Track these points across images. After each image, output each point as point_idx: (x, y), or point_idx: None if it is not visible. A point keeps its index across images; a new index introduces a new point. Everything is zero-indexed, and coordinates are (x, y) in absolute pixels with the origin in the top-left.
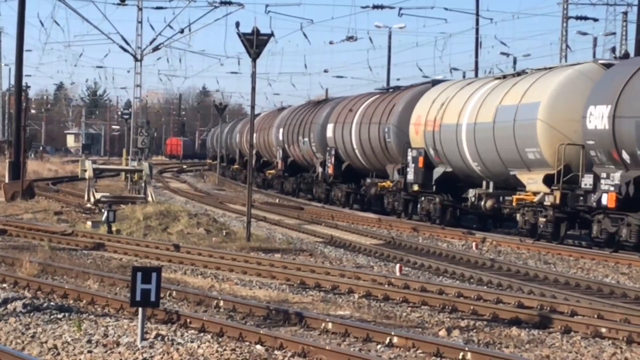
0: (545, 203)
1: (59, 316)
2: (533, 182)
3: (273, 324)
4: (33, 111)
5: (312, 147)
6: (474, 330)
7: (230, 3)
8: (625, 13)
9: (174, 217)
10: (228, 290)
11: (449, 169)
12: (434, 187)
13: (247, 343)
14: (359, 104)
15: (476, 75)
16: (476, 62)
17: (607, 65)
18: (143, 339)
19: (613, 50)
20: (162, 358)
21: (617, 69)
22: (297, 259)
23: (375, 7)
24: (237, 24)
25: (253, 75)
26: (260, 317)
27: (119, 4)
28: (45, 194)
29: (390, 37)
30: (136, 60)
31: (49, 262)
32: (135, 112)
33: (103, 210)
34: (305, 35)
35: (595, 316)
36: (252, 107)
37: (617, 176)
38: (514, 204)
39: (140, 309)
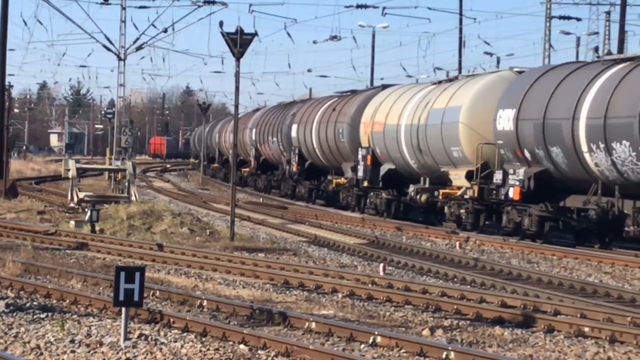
0: (466, 196)
1: (42, 316)
2: (457, 177)
3: (256, 323)
4: (16, 110)
5: (280, 147)
6: (458, 330)
7: (213, 2)
8: (608, 13)
9: (158, 216)
10: (212, 289)
11: (393, 167)
12: (381, 183)
13: (231, 343)
14: (319, 106)
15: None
16: (459, 62)
17: (521, 73)
18: (126, 338)
19: (596, 49)
20: (145, 358)
21: (522, 77)
22: (280, 259)
23: (359, 6)
24: (221, 23)
25: (237, 75)
26: (243, 317)
27: (102, 3)
28: (28, 194)
29: (374, 36)
30: (120, 59)
31: (32, 261)
32: (118, 112)
33: (86, 209)
34: (289, 34)
35: (579, 315)
36: (236, 106)
37: (521, 172)
38: (440, 197)
39: (123, 309)
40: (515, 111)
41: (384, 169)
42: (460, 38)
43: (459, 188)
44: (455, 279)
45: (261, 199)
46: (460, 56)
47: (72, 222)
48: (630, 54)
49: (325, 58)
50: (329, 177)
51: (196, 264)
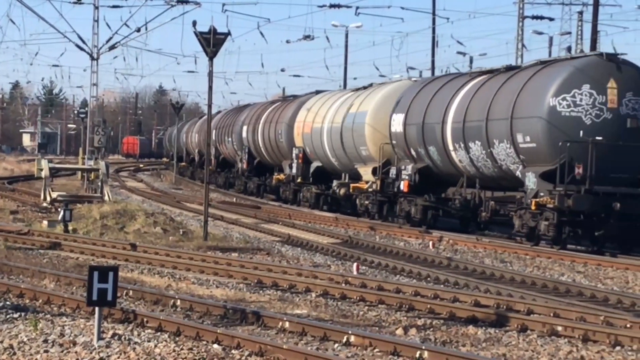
0: (371, 189)
1: (15, 316)
2: (366, 173)
3: (230, 323)
4: None
5: (234, 146)
6: (431, 329)
7: (187, 2)
8: (581, 12)
9: (131, 216)
10: (185, 289)
11: (321, 164)
12: (311, 179)
13: (205, 342)
14: (266, 109)
15: (432, 74)
16: (432, 62)
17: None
18: (100, 338)
19: (569, 49)
20: (118, 357)
21: (412, 86)
22: (254, 258)
23: (332, 6)
24: (194, 23)
25: (210, 74)
26: (217, 317)
27: (75, 3)
28: (0, 193)
29: (347, 36)
30: (92, 59)
31: (5, 261)
32: (91, 111)
33: (59, 209)
34: (262, 34)
35: (552, 314)
36: (209, 106)
37: (409, 168)
38: (351, 190)
39: (96, 309)
40: (404, 116)
41: (313, 166)
42: (434, 38)
43: (367, 182)
44: (428, 279)
45: (234, 199)
46: (433, 56)
47: (45, 222)
48: (490, 67)
49: (298, 58)
50: (275, 174)
51: (169, 264)
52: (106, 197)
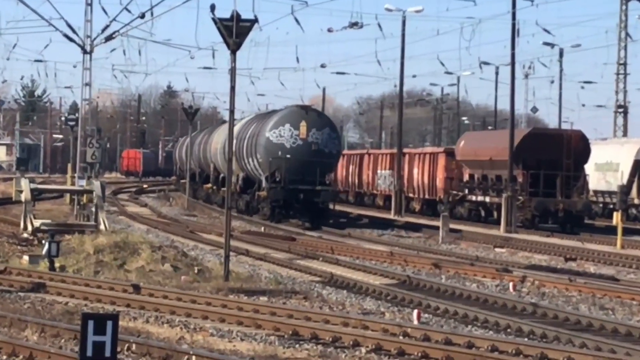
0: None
1: None
2: None
3: None
4: None
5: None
6: None
7: None
8: None
9: (133, 250)
10: (202, 342)
11: None
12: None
13: None
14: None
15: (512, 71)
16: (512, 55)
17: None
18: None
19: None
20: None
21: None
22: (288, 303)
23: None
24: (213, 7)
25: (232, 71)
26: None
27: None
28: None
29: (404, 23)
30: (85, 52)
31: None
32: (83, 118)
33: (43, 241)
34: (297, 20)
35: None
36: (231, 111)
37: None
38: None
39: None
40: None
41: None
42: (514, 25)
43: None
44: (508, 330)
45: (262, 228)
46: (513, 48)
47: (26, 257)
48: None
49: (343, 50)
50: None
51: (182, 310)
52: (102, 226)
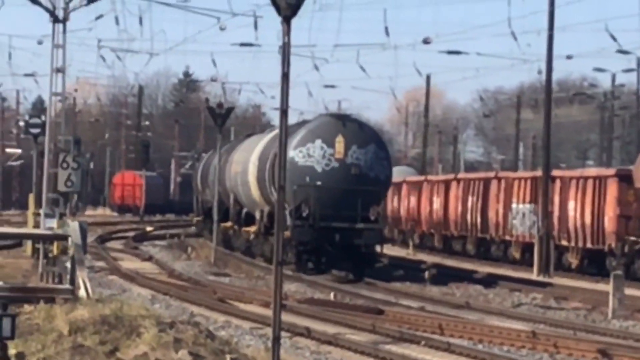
0: None
1: None
2: None
3: None
4: None
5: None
6: None
7: None
8: None
9: (130, 328)
10: None
11: None
12: None
13: None
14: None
15: None
16: None
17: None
18: None
19: None
20: None
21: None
22: None
23: None
24: None
25: (285, 50)
26: None
27: None
28: None
29: None
30: (56, 20)
31: None
32: (53, 122)
33: None
34: None
35: None
36: (283, 110)
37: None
38: None
39: None
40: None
41: None
42: None
43: None
44: None
45: (332, 294)
46: None
47: None
48: None
49: (455, 18)
50: None
51: None
52: (82, 292)
